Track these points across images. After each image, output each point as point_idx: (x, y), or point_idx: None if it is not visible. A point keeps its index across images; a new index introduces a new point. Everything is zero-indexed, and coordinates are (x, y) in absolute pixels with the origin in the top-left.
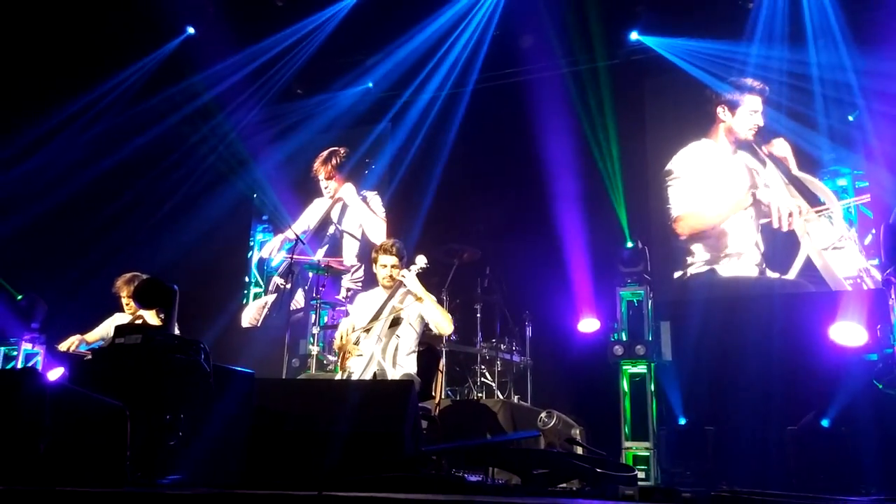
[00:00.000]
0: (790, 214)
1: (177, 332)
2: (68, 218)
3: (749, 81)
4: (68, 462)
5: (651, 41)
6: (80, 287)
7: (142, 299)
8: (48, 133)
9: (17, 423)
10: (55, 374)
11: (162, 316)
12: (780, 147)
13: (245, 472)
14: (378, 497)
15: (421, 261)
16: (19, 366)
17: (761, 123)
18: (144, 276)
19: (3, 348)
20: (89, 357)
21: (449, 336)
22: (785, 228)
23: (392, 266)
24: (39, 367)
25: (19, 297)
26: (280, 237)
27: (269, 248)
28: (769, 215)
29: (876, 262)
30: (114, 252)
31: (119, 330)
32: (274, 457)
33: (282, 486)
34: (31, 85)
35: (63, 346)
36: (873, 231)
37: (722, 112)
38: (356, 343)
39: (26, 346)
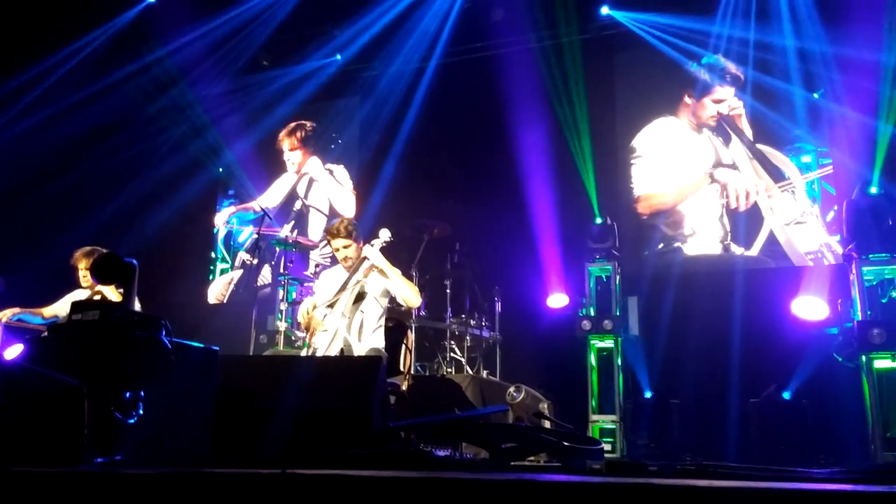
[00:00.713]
0: (747, 195)
1: (137, 307)
2: (24, 192)
3: (723, 67)
4: (23, 442)
5: (621, 16)
6: (38, 262)
7: (99, 274)
8: (1, 102)
9: None
10: (14, 350)
11: (121, 291)
12: (744, 121)
13: (209, 450)
14: (342, 475)
15: (384, 234)
16: None
17: (724, 112)
18: (103, 251)
19: None
20: (45, 334)
21: (417, 310)
22: (742, 208)
23: (345, 247)
24: None
25: None
26: (232, 208)
27: (223, 216)
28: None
29: (838, 238)
30: (72, 226)
31: (76, 306)
32: (238, 435)
33: (245, 464)
34: None
35: None
36: (835, 207)
37: (687, 97)
38: (324, 318)
39: None
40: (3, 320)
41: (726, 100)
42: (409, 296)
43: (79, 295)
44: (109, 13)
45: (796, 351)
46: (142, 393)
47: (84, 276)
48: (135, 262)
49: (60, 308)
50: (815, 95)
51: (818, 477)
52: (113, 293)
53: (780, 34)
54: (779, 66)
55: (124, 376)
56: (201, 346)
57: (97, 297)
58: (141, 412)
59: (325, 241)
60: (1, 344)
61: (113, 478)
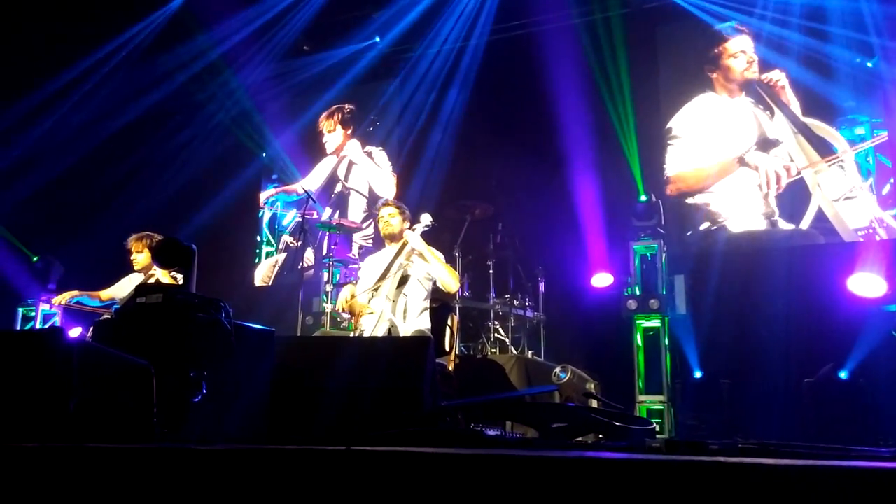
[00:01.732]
0: (778, 178)
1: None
2: (81, 179)
3: (731, 25)
4: (97, 420)
5: None
6: (94, 247)
7: (161, 259)
8: (57, 94)
9: (46, 383)
10: (74, 333)
11: (173, 274)
12: (789, 93)
13: (265, 428)
14: (406, 451)
15: (426, 219)
16: (38, 325)
17: (755, 59)
18: (156, 236)
19: (21, 309)
20: (105, 316)
21: (461, 291)
22: (774, 192)
23: (390, 216)
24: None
25: (35, 259)
26: (273, 189)
27: (264, 196)
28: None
29: (894, 212)
30: (126, 212)
31: (140, 289)
32: (294, 413)
33: (310, 441)
34: (38, 47)
35: (56, 300)
36: (892, 180)
37: (709, 71)
38: (369, 301)
39: (44, 307)
40: (63, 303)
41: (746, 52)
42: (448, 280)
43: (134, 278)
44: (158, 2)
45: (853, 329)
46: (205, 373)
47: (135, 259)
48: (194, 247)
49: (117, 291)
50: (869, 64)
51: (886, 456)
52: (165, 276)
53: (831, 1)
54: (830, 34)
55: (188, 357)
56: (259, 327)
57: (152, 280)
58: (204, 391)
59: (368, 223)
60: (62, 325)
61: (183, 453)
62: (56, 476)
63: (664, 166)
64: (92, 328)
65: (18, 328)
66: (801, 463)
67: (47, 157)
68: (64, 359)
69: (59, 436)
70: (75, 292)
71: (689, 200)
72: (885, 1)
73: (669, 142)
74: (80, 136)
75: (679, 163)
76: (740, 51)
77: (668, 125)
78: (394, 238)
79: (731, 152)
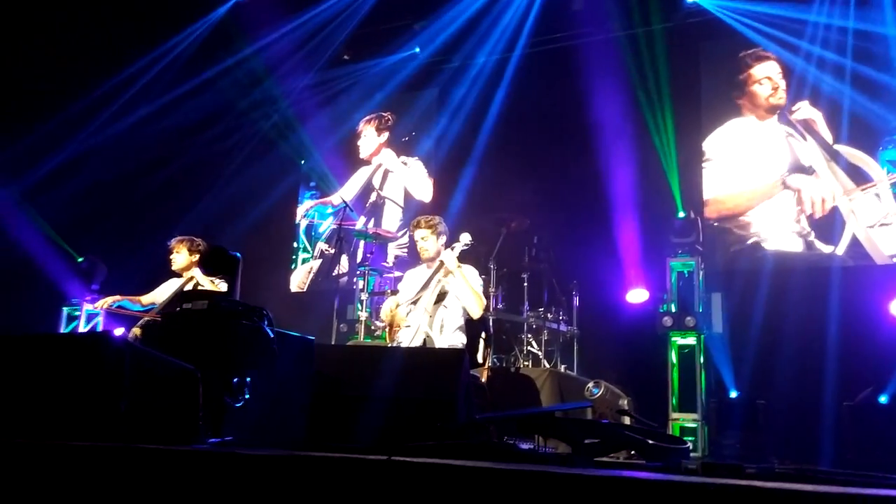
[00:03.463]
0: (823, 202)
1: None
2: (127, 182)
3: (754, 52)
4: (145, 421)
5: (708, 3)
6: (138, 249)
7: (208, 266)
8: (104, 98)
9: (98, 384)
10: (116, 333)
11: (213, 280)
12: (819, 121)
13: (303, 434)
14: (445, 464)
15: (465, 238)
16: (82, 326)
17: (780, 85)
18: (197, 240)
19: (66, 308)
20: (145, 320)
21: (495, 303)
22: (818, 215)
23: (422, 239)
24: (101, 327)
25: (80, 259)
26: (310, 202)
27: (302, 209)
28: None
29: None
30: (169, 216)
31: (186, 296)
32: (332, 420)
33: (351, 449)
34: (86, 53)
35: (98, 304)
36: None
37: (736, 98)
38: (407, 314)
39: (88, 307)
40: (105, 307)
41: (771, 76)
42: (473, 307)
43: (173, 283)
44: (202, 11)
45: (894, 353)
46: (248, 378)
47: (173, 259)
48: (238, 255)
49: (157, 295)
50: None
51: None
52: (205, 280)
53: (881, 23)
54: (878, 55)
55: (232, 362)
56: (300, 335)
57: (190, 284)
58: (247, 396)
59: (404, 232)
60: (104, 327)
61: (229, 457)
62: (107, 474)
63: (701, 189)
64: (140, 331)
65: (64, 327)
66: (841, 490)
67: (94, 159)
68: (116, 361)
69: (110, 435)
70: (117, 297)
71: (726, 222)
72: None
73: (704, 164)
74: (126, 140)
75: (715, 186)
76: (765, 77)
77: (703, 147)
78: (431, 260)
79: (767, 176)
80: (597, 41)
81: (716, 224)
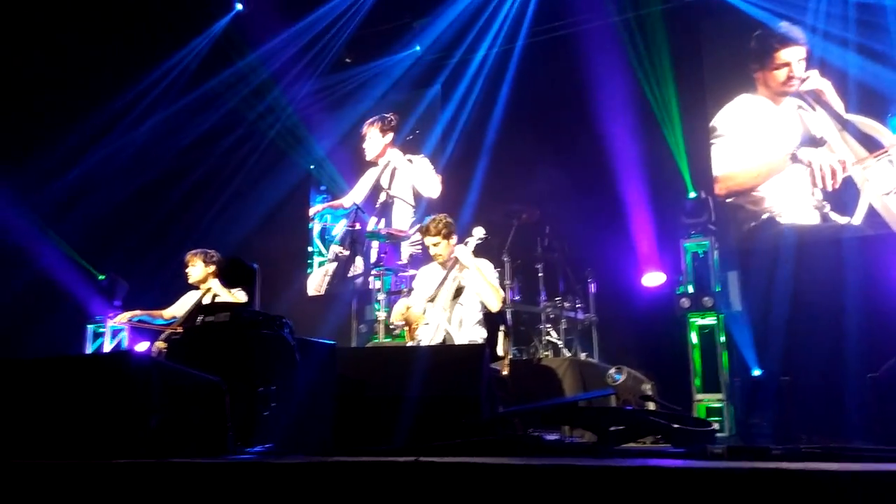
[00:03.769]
0: (833, 173)
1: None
2: (143, 200)
3: (782, 32)
4: (175, 435)
5: None
6: (157, 264)
7: (227, 277)
8: (116, 118)
9: (128, 402)
10: (140, 347)
11: (229, 289)
12: (828, 91)
13: (330, 439)
14: (473, 462)
15: (478, 233)
16: (107, 342)
17: (795, 76)
18: (211, 252)
19: (91, 326)
20: (171, 332)
21: (512, 295)
22: (830, 188)
23: (434, 245)
24: (125, 343)
25: (101, 277)
26: (320, 205)
27: (313, 211)
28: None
29: None
30: (186, 230)
31: (206, 308)
32: (358, 423)
33: (377, 452)
34: (94, 73)
35: (117, 319)
36: None
37: (754, 71)
38: (424, 312)
39: (112, 324)
40: (124, 321)
41: (792, 62)
42: (490, 299)
43: (192, 295)
44: (204, 24)
45: None
46: (273, 387)
47: (189, 272)
48: (256, 266)
49: (178, 308)
50: None
51: None
52: (223, 291)
53: None
54: (885, 23)
55: (256, 372)
56: (321, 340)
57: (208, 296)
58: (273, 405)
59: (415, 229)
60: (129, 342)
61: (260, 467)
62: (142, 490)
63: (710, 165)
64: (165, 345)
65: (90, 344)
66: (869, 468)
67: (107, 178)
68: (143, 378)
69: (141, 452)
70: (137, 312)
71: (738, 198)
72: None
73: (713, 140)
74: (141, 157)
75: (725, 162)
76: (785, 63)
77: (713, 123)
78: (446, 262)
79: (778, 150)
80: (596, 27)
81: (728, 201)
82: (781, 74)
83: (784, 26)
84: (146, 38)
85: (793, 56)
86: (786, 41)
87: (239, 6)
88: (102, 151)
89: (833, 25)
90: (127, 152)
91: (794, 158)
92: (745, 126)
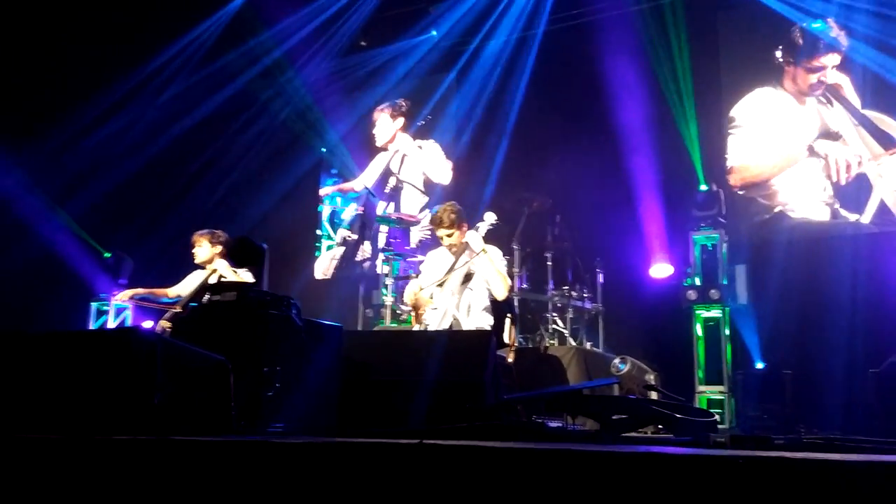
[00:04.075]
0: (848, 167)
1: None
2: (151, 178)
3: (828, 32)
4: (178, 413)
5: None
6: (165, 243)
7: (235, 257)
8: (128, 94)
9: (132, 378)
10: (145, 326)
11: (235, 269)
12: (846, 86)
13: (335, 421)
14: (477, 446)
15: (490, 218)
16: (111, 320)
17: (827, 81)
18: (218, 232)
19: (95, 304)
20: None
21: (520, 282)
22: (844, 182)
23: (448, 236)
24: (129, 321)
25: (107, 255)
26: (330, 188)
27: (323, 193)
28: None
29: None
30: (194, 209)
31: (214, 288)
32: (362, 406)
33: (382, 434)
34: (106, 51)
35: (119, 297)
36: None
37: (786, 64)
38: (431, 297)
39: (117, 302)
40: (126, 299)
41: (827, 67)
42: (498, 287)
43: (198, 275)
44: (219, 3)
45: None
46: (277, 367)
47: (195, 252)
48: (265, 245)
49: (184, 287)
50: None
51: None
52: (229, 271)
53: None
54: None
55: (262, 352)
56: (328, 323)
57: (214, 277)
58: (277, 385)
59: (425, 214)
60: (133, 320)
61: (263, 446)
62: (144, 467)
63: (726, 156)
64: (169, 324)
65: (93, 322)
66: (870, 458)
67: (118, 156)
68: (147, 355)
69: (145, 429)
70: (140, 290)
71: (751, 190)
72: None
73: (731, 131)
74: (150, 135)
75: (742, 153)
76: (822, 66)
77: (731, 114)
78: (456, 247)
79: (796, 143)
80: (614, 16)
81: (741, 192)
82: (814, 77)
83: (833, 29)
84: (160, 14)
85: (830, 61)
86: (831, 48)
87: None
88: (112, 128)
89: (853, 20)
90: (137, 129)
91: (811, 151)
92: (764, 118)
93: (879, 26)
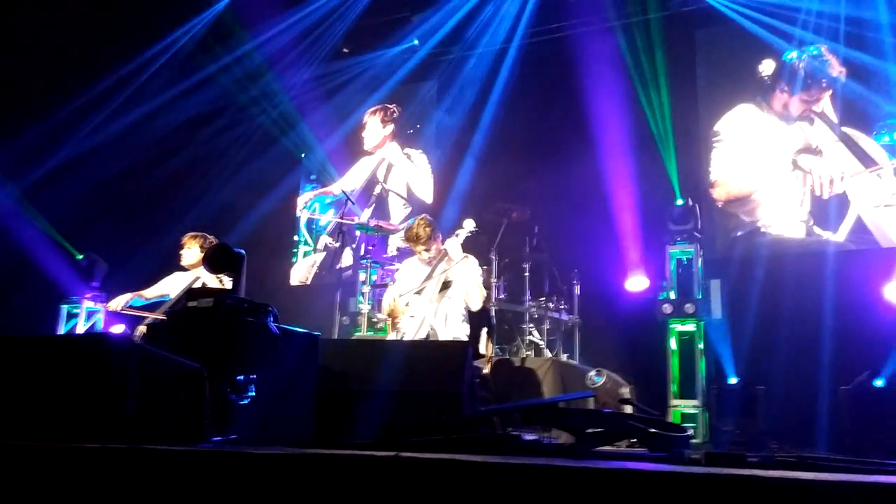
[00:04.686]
0: (831, 182)
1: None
2: (125, 179)
3: (826, 61)
4: (151, 421)
5: None
6: (138, 246)
7: (212, 263)
8: (103, 95)
9: (103, 385)
10: (117, 329)
11: (219, 277)
12: (826, 104)
13: (311, 431)
14: (452, 459)
15: (469, 225)
16: (81, 323)
17: (816, 110)
18: (210, 237)
19: (65, 306)
20: (155, 318)
21: (497, 293)
22: (826, 196)
23: (425, 250)
24: (101, 325)
25: (80, 257)
26: (311, 193)
27: (302, 200)
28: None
29: None
30: (170, 212)
31: (192, 293)
32: (338, 415)
33: (358, 446)
34: (85, 49)
35: (112, 306)
36: None
37: (780, 90)
38: (407, 305)
39: (88, 304)
40: (119, 308)
41: (822, 98)
42: (474, 298)
43: (178, 276)
44: (201, 6)
45: (889, 337)
46: (253, 376)
47: (183, 254)
48: (243, 252)
49: (161, 289)
50: None
51: None
52: (211, 278)
53: (873, 8)
54: (871, 41)
55: (237, 360)
56: (304, 331)
57: (197, 280)
58: (252, 394)
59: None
60: (104, 324)
61: (235, 456)
62: (114, 476)
63: (709, 169)
64: (146, 330)
65: (63, 325)
66: (842, 478)
67: (94, 156)
68: (120, 361)
69: (116, 437)
70: (128, 296)
71: (733, 205)
72: None
73: (715, 144)
74: (125, 137)
75: (726, 167)
76: (817, 99)
77: (716, 128)
78: (437, 257)
79: (779, 158)
80: (594, 31)
81: (721, 206)
82: (805, 105)
83: (830, 62)
84: (140, 18)
85: (826, 94)
86: (831, 84)
87: None
88: (89, 129)
89: (821, 39)
90: (115, 131)
91: (795, 165)
92: (748, 133)
93: (843, 46)
